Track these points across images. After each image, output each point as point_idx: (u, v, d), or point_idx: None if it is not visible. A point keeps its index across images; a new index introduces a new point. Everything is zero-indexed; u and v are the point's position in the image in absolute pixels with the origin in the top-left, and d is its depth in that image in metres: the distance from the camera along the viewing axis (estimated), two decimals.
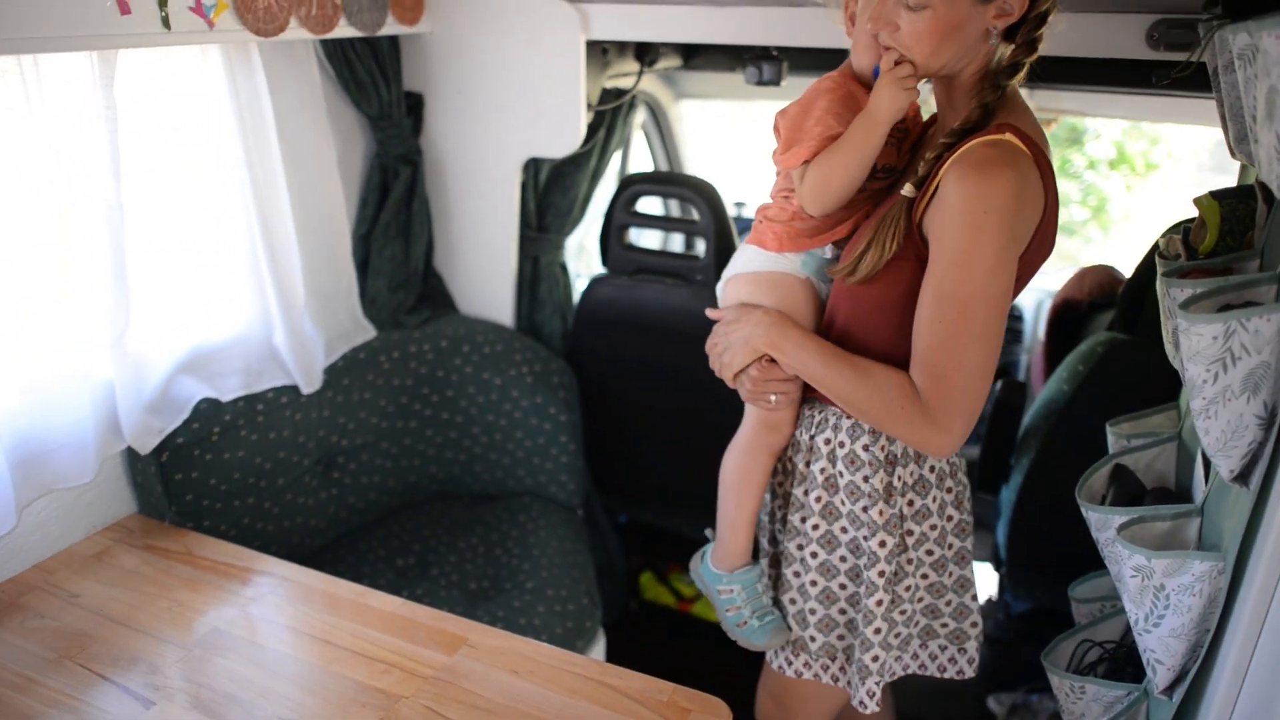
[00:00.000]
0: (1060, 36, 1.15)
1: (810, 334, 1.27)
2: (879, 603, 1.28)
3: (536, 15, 1.84)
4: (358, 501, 1.97)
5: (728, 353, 1.32)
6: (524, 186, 2.07)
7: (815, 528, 1.33)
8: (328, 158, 1.78)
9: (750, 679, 1.59)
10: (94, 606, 1.38)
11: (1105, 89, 2.13)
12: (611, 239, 2.17)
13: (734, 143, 4.48)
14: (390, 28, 1.77)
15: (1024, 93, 1.28)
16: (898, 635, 1.33)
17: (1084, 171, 5.36)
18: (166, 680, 1.24)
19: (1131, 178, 5.38)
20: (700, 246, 2.11)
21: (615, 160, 2.42)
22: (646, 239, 2.91)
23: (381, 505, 2.03)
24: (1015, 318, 3.23)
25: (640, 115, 2.97)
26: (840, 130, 1.19)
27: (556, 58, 1.86)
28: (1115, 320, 1.95)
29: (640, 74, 2.16)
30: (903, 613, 1.32)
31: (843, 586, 1.34)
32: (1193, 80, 1.16)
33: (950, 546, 1.34)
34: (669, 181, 2.47)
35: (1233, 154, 1.12)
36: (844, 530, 1.32)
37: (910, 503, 1.29)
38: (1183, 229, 1.21)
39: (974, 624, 1.38)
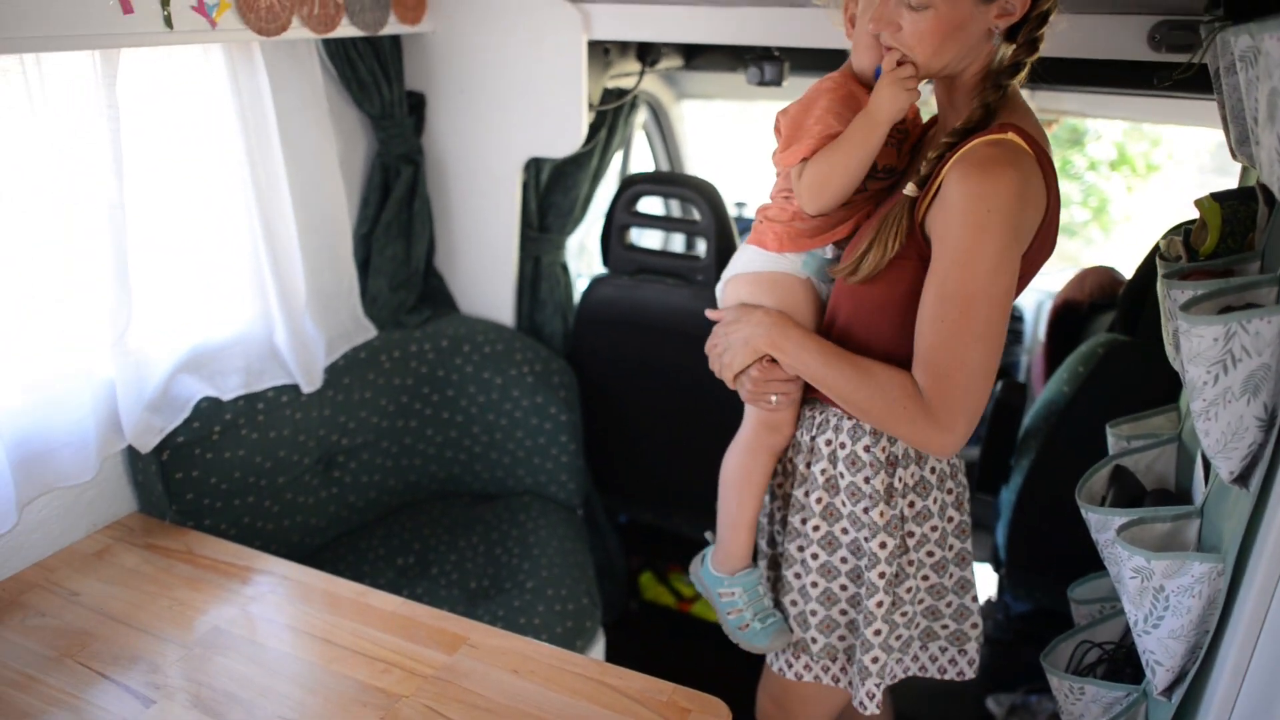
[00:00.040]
0: (1062, 37, 1.15)
1: (811, 334, 1.27)
2: (879, 604, 1.28)
3: (538, 15, 1.84)
4: (358, 501, 1.98)
5: (728, 353, 1.32)
6: (525, 186, 2.07)
7: (816, 529, 1.33)
8: (329, 157, 1.78)
9: (750, 679, 1.59)
10: (94, 605, 1.39)
11: (1107, 90, 2.13)
12: (612, 239, 2.17)
13: (735, 143, 4.48)
14: (392, 27, 1.77)
15: (1025, 93, 1.28)
16: (899, 638, 1.33)
17: (1085, 172, 5.37)
18: (167, 679, 1.24)
19: (1132, 179, 5.39)
20: (701, 247, 2.11)
21: (616, 160, 2.42)
22: (647, 239, 2.92)
23: (382, 504, 2.03)
24: (1016, 319, 3.23)
25: (641, 115, 2.97)
26: (840, 129, 1.19)
27: (558, 58, 1.86)
28: (1116, 321, 1.95)
29: (642, 74, 2.16)
30: (904, 615, 1.32)
31: (844, 588, 1.34)
32: (1194, 82, 1.16)
33: (951, 548, 1.34)
34: (670, 182, 2.47)
35: (1234, 156, 1.12)
36: (845, 532, 1.32)
37: (911, 504, 1.29)
38: (1184, 230, 1.21)
39: (974, 625, 1.38)
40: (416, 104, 2.02)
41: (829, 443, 1.31)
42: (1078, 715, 1.23)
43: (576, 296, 2.29)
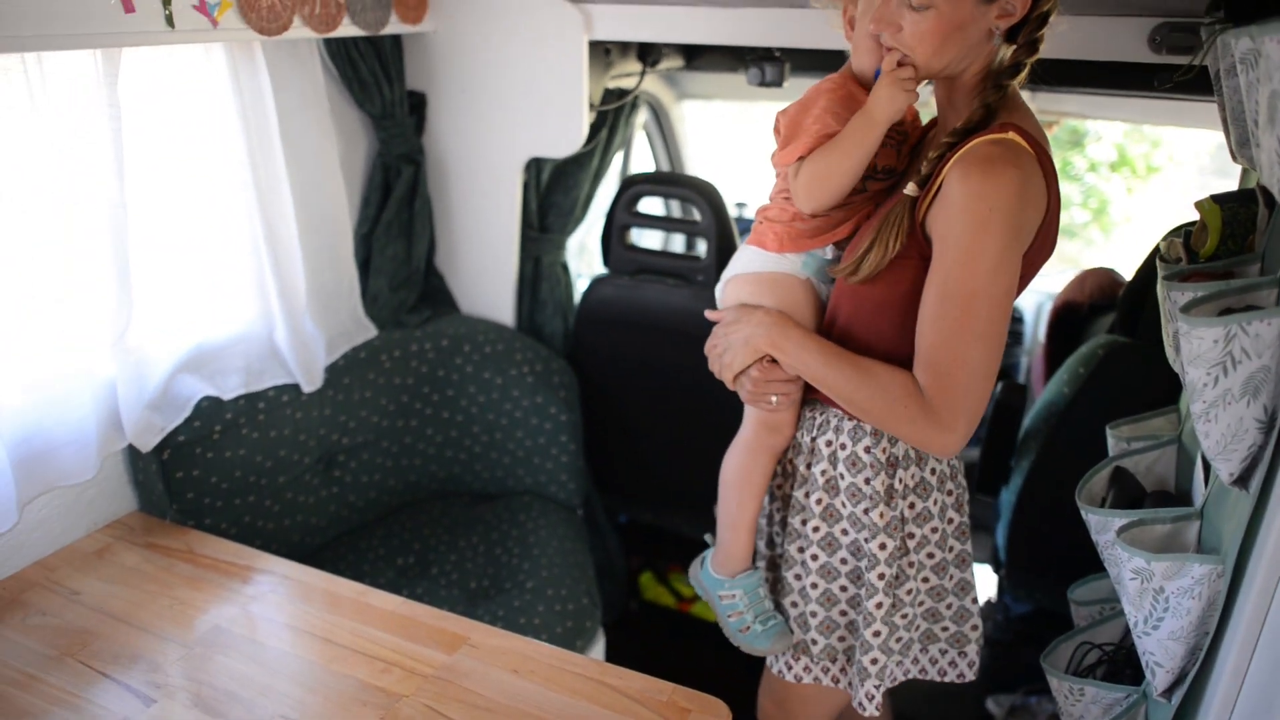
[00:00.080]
0: (1062, 39, 1.15)
1: (812, 334, 1.27)
2: (879, 605, 1.28)
3: (539, 15, 1.84)
4: (358, 500, 1.98)
5: (728, 353, 1.32)
6: (526, 186, 2.07)
7: (816, 530, 1.33)
8: (330, 157, 1.78)
9: (750, 679, 1.59)
10: (95, 604, 1.39)
11: (1107, 92, 2.13)
12: (613, 239, 2.17)
13: (736, 144, 4.48)
14: (393, 27, 1.77)
15: (1026, 95, 1.28)
16: (899, 640, 1.33)
17: (1085, 174, 5.37)
18: (167, 678, 1.24)
19: (1132, 180, 5.39)
20: (701, 247, 2.11)
21: (617, 160, 2.42)
22: (648, 239, 2.92)
23: (382, 504, 2.03)
24: (1016, 320, 3.23)
25: (642, 115, 2.98)
26: (838, 129, 1.19)
27: (559, 58, 1.86)
28: (1116, 323, 1.95)
29: (642, 74, 2.16)
30: (904, 616, 1.32)
31: (844, 589, 1.34)
32: (1194, 84, 1.16)
33: (951, 549, 1.34)
34: (671, 182, 2.47)
35: (1234, 158, 1.12)
36: (845, 533, 1.32)
37: (911, 505, 1.29)
38: (1184, 232, 1.21)
39: (974, 627, 1.38)
40: (417, 104, 2.02)
41: (829, 444, 1.31)
42: (1077, 716, 1.23)
43: (577, 297, 2.29)
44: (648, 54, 2.15)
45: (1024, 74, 1.13)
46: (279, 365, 1.77)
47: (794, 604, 1.39)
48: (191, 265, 1.63)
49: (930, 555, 1.32)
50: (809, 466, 1.34)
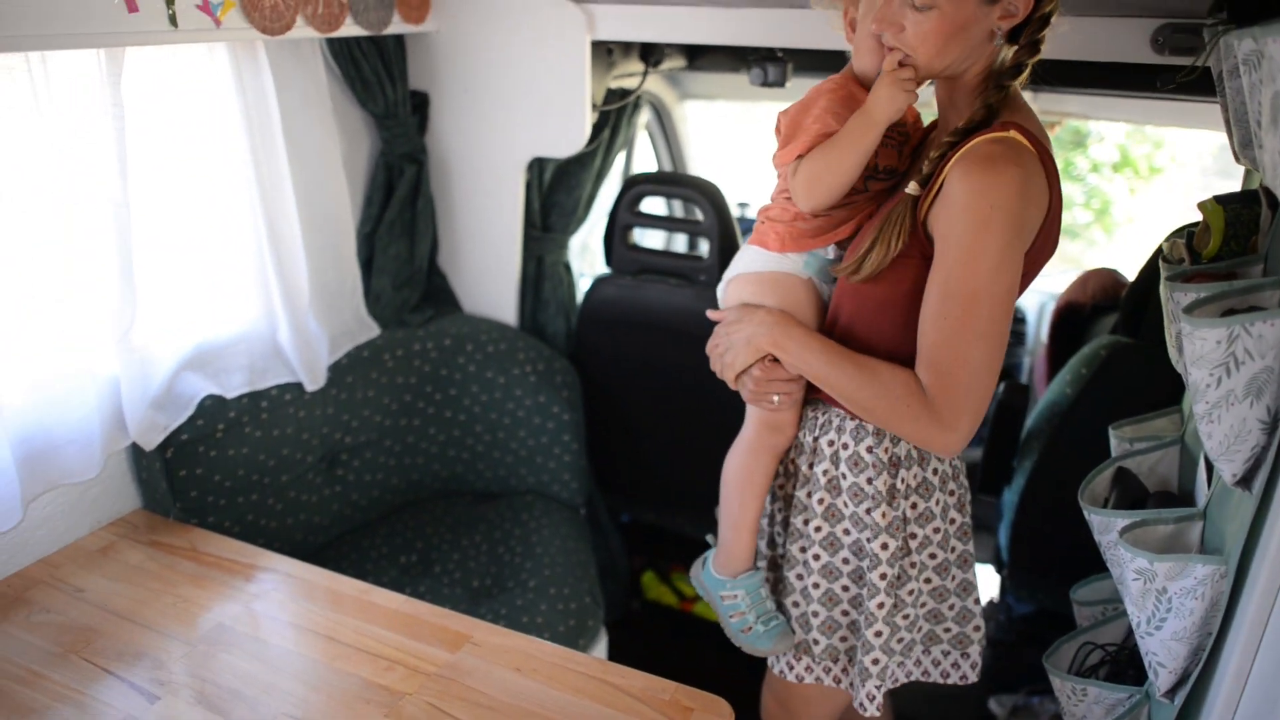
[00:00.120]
0: (1065, 40, 1.15)
1: (814, 333, 1.27)
2: (880, 605, 1.28)
3: (542, 15, 1.84)
4: (361, 499, 1.98)
5: (730, 353, 1.32)
6: (529, 186, 2.07)
7: (818, 530, 1.34)
8: (333, 156, 1.78)
9: (752, 678, 1.60)
10: (99, 601, 1.39)
11: (1110, 92, 2.13)
12: (615, 239, 2.17)
13: (738, 144, 4.48)
14: (396, 26, 1.78)
15: (1028, 95, 1.28)
16: (900, 640, 1.33)
17: (1087, 174, 5.36)
18: (171, 675, 1.24)
19: (1135, 181, 5.39)
20: (704, 247, 2.11)
21: (619, 160, 2.42)
22: (650, 239, 2.92)
23: (385, 503, 2.03)
24: (1018, 320, 3.23)
25: (645, 115, 2.98)
26: (837, 129, 1.19)
27: (562, 58, 1.86)
28: (1118, 323, 1.95)
29: (645, 74, 2.16)
30: (905, 617, 1.32)
31: (845, 589, 1.34)
32: (1197, 85, 1.16)
33: (953, 550, 1.34)
34: (673, 182, 2.47)
35: (1237, 159, 1.12)
36: (846, 533, 1.32)
37: (914, 505, 1.29)
38: (1186, 233, 1.21)
39: (976, 628, 1.38)
40: (420, 103, 2.02)
41: (831, 444, 1.31)
42: (1080, 717, 1.23)
43: (579, 296, 2.30)
44: (650, 54, 2.15)
45: (1026, 74, 1.13)
46: (282, 364, 1.77)
47: (796, 604, 1.39)
48: (195, 264, 1.63)
49: (932, 555, 1.32)
50: (811, 466, 1.34)
